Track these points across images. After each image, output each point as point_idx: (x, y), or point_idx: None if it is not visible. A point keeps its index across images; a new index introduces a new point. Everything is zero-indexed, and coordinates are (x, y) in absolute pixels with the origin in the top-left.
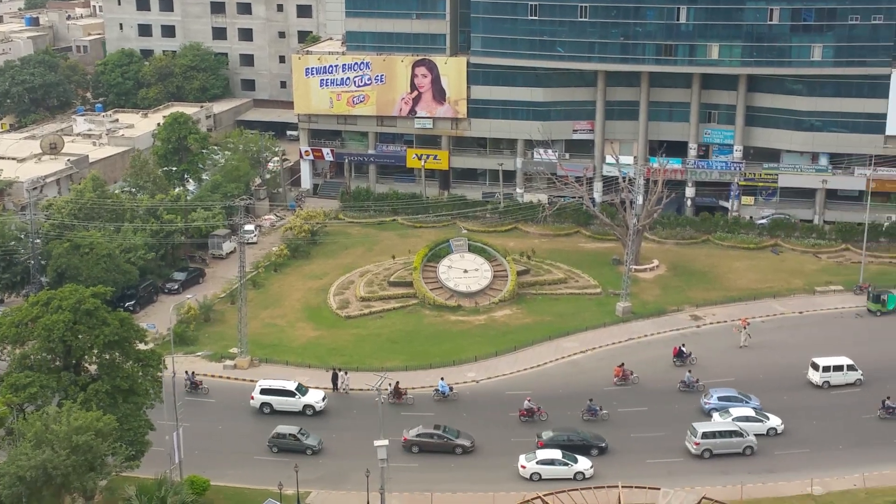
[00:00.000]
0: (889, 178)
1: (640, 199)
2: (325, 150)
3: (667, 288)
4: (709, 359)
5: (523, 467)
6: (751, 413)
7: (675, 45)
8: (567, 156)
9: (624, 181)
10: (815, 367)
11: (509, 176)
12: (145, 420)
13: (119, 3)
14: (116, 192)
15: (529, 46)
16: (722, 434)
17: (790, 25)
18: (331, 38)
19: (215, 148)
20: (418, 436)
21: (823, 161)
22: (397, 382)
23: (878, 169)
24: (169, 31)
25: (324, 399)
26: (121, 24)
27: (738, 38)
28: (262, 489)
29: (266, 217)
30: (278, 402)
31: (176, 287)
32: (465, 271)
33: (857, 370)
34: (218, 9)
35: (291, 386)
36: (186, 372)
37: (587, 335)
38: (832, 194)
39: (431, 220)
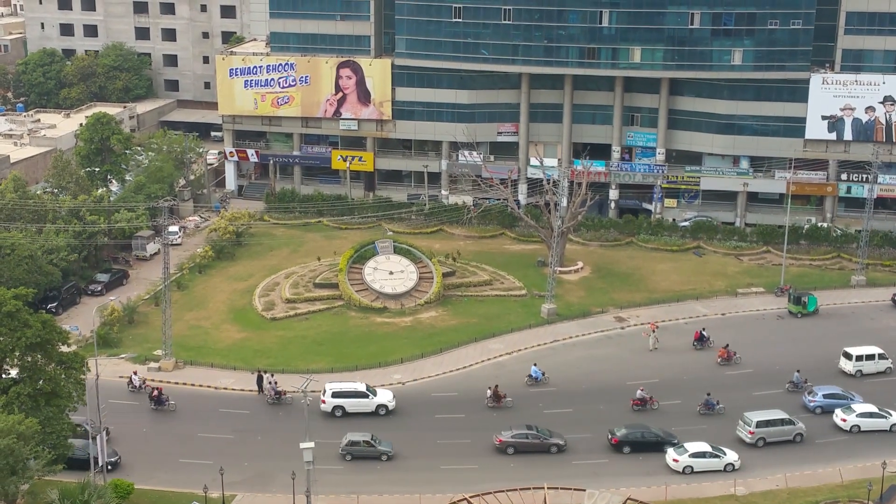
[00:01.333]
0: (808, 181)
1: (564, 202)
2: (250, 152)
3: (591, 290)
4: (631, 360)
5: (675, 461)
6: (874, 409)
7: (597, 48)
8: (492, 158)
9: (548, 183)
10: (848, 356)
11: (434, 178)
12: (68, 423)
13: (40, 3)
14: (38, 192)
15: (454, 48)
16: (775, 423)
17: (711, 30)
18: (255, 39)
19: (139, 149)
20: (514, 437)
21: (744, 164)
22: (496, 386)
23: (797, 172)
24: (91, 30)
25: (393, 397)
26: (42, 24)
27: (659, 42)
28: (187, 492)
29: (190, 218)
30: (351, 404)
31: (99, 289)
32: (391, 273)
33: (887, 359)
34: (141, 8)
35: (362, 387)
36: (136, 378)
37: (513, 337)
38: (753, 197)
39: (357, 221)
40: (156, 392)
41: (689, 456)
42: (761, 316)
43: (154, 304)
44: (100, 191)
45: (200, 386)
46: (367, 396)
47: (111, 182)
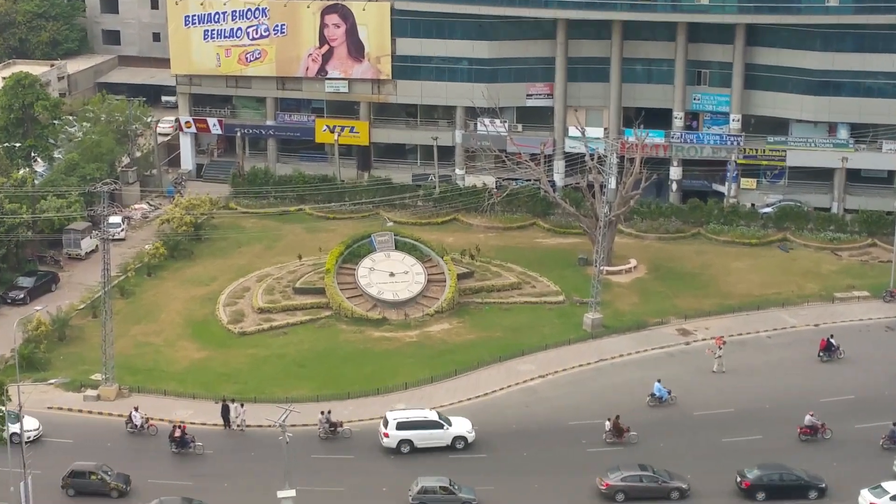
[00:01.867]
0: None
1: (612, 183)
2: (212, 121)
3: (647, 295)
4: (695, 383)
5: None
6: None
7: None
8: (519, 128)
9: (592, 159)
10: None
11: (446, 153)
12: None
13: None
14: None
15: None
16: None
17: None
18: None
19: (70, 118)
20: (624, 480)
21: (843, 134)
22: (617, 417)
23: None
24: None
25: (473, 427)
26: None
27: None
28: None
29: (137, 206)
30: (421, 436)
31: (21, 296)
32: (392, 275)
33: None
34: None
35: (433, 415)
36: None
37: (547, 355)
38: (855, 176)
39: (348, 209)
40: (178, 431)
41: (891, 499)
42: (865, 327)
43: (91, 315)
44: (21, 172)
45: (150, 419)
46: (440, 426)
47: (35, 161)
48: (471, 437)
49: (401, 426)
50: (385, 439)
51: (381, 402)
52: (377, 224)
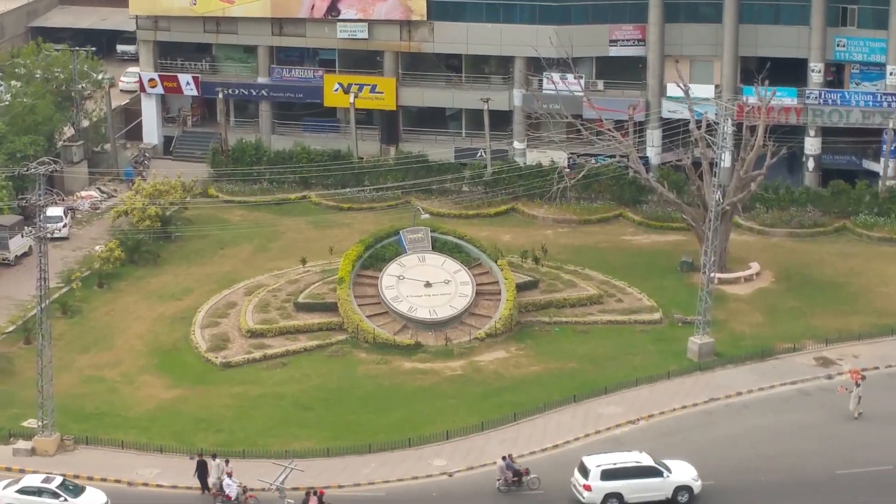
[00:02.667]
0: None
1: (726, 159)
2: (185, 79)
3: (774, 311)
4: (843, 433)
5: None
6: None
7: None
8: (600, 85)
9: (699, 128)
10: None
11: (501, 121)
12: None
13: None
14: None
15: None
16: None
17: None
18: None
19: None
20: None
21: None
22: None
23: None
24: None
25: (698, 475)
26: None
27: None
28: None
29: (84, 194)
30: (634, 488)
31: None
32: (428, 285)
33: None
34: None
35: (647, 459)
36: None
37: (638, 394)
38: None
39: (368, 197)
40: (313, 499)
41: None
42: None
43: (24, 341)
44: None
45: (103, 480)
46: (658, 474)
47: None
48: (696, 485)
49: (607, 475)
50: (586, 493)
51: (413, 457)
52: (408, 217)
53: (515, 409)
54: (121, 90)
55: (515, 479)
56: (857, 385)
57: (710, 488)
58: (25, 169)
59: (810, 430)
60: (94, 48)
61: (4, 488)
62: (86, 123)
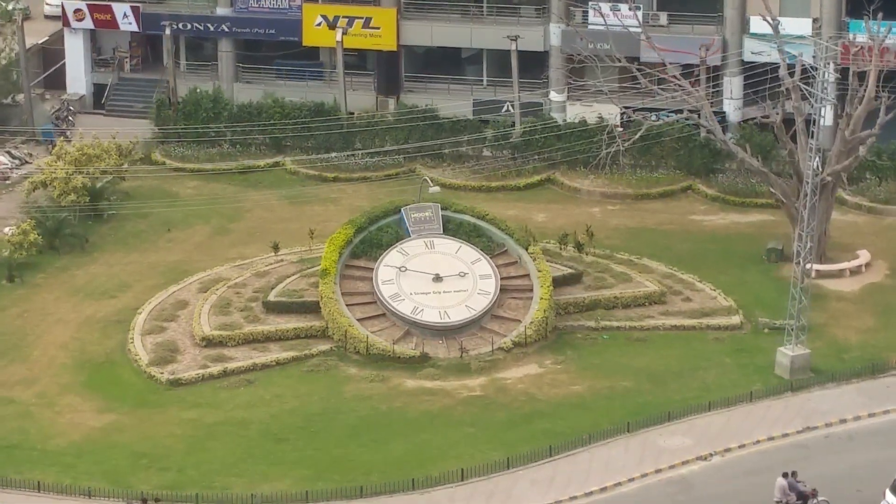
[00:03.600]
0: None
1: (828, 116)
2: (121, 9)
3: (890, 314)
4: None
5: None
6: None
7: None
8: (663, 19)
9: (792, 75)
10: None
11: (534, 65)
12: None
13: None
14: None
15: None
16: None
17: None
18: None
19: None
20: None
21: None
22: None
23: None
24: None
25: None
26: None
27: None
28: None
29: None
30: None
31: None
32: (438, 279)
33: None
34: None
35: None
36: None
37: (711, 421)
38: None
39: (361, 164)
40: None
41: None
42: None
43: None
44: None
45: None
46: None
47: None
48: None
49: None
50: None
51: (420, 503)
52: (412, 190)
53: (551, 442)
54: (45, 15)
55: (800, 502)
56: None
57: None
58: None
59: None
60: None
61: None
62: None
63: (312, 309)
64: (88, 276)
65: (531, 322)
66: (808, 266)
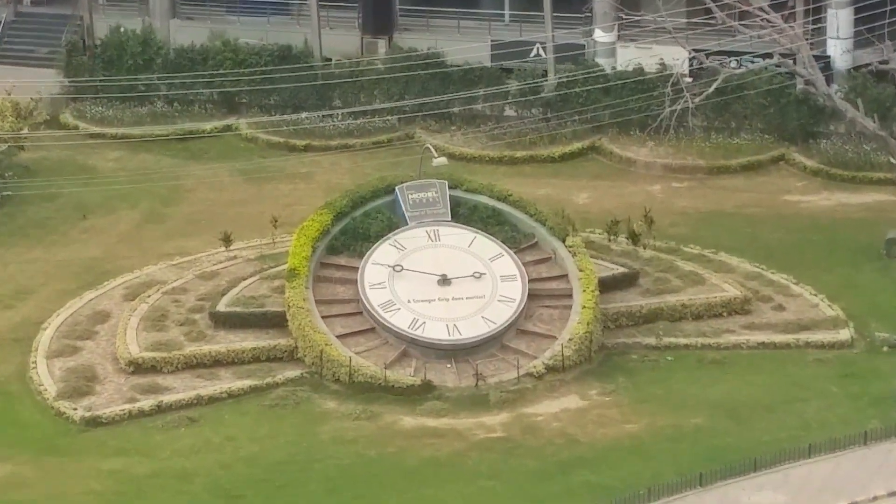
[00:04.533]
0: None
1: None
2: None
3: None
4: None
5: None
6: None
7: None
8: None
9: None
10: None
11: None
12: None
13: None
14: None
15: None
16: None
17: None
18: None
19: None
20: None
21: None
22: None
23: None
24: None
25: None
26: None
27: None
28: None
29: None
30: None
31: None
32: (446, 281)
33: None
34: None
35: None
36: None
37: (814, 472)
38: None
39: (342, 127)
40: None
41: None
42: None
43: None
44: None
45: None
46: None
47: None
48: None
49: None
50: None
51: None
52: (410, 162)
53: (596, 499)
54: None
55: None
56: None
57: None
58: None
59: None
60: None
61: None
62: None
63: (276, 322)
64: None
65: (570, 339)
66: None
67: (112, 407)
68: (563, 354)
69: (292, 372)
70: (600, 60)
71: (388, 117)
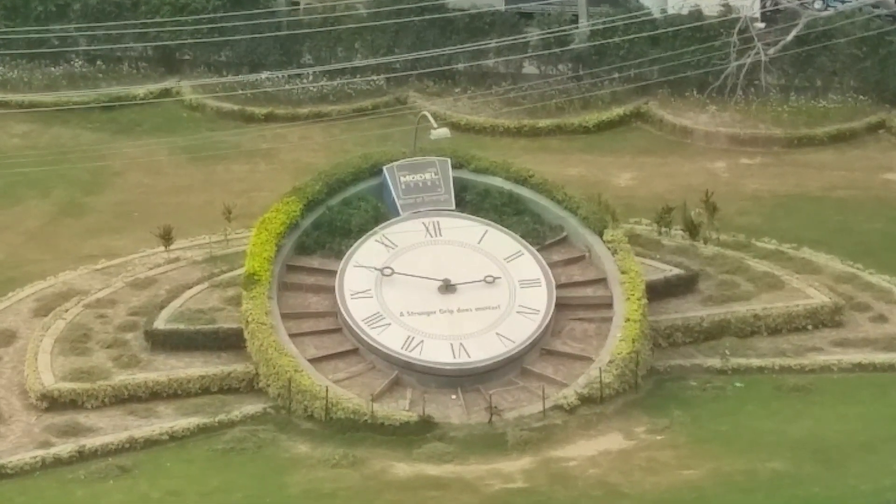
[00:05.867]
0: None
1: None
2: None
3: None
4: None
5: None
6: None
7: None
8: None
9: None
10: None
11: None
12: None
13: None
14: None
15: None
16: None
17: None
18: None
19: None
20: None
21: None
22: None
23: None
24: None
25: None
26: None
27: None
28: None
29: None
30: None
31: None
32: (449, 288)
33: None
34: None
35: None
36: None
37: None
38: None
39: (314, 90)
40: None
41: None
42: None
43: None
44: None
45: None
46: None
47: None
48: None
49: None
50: None
51: None
52: (402, 134)
53: None
54: None
55: None
56: None
57: None
58: None
59: None
60: None
61: None
62: None
63: (231, 343)
64: None
65: (611, 361)
66: None
67: (20, 454)
68: (601, 381)
69: (252, 407)
70: (646, 1)
71: (374, 77)
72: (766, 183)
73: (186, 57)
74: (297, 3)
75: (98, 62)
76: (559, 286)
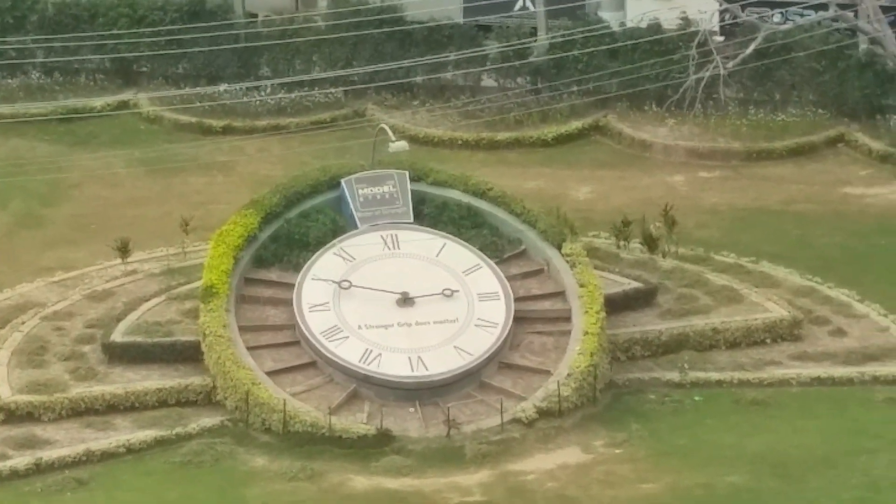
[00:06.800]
0: None
1: None
2: None
3: None
4: None
5: None
6: None
7: None
8: None
9: None
10: None
11: None
12: None
13: None
14: None
15: None
16: None
17: None
18: None
19: None
20: None
21: None
22: None
23: None
24: None
25: None
26: None
27: None
28: None
29: None
30: None
31: None
32: (407, 301)
33: None
34: None
35: None
36: None
37: None
38: None
39: (271, 103)
40: None
41: None
42: None
43: None
44: None
45: None
46: None
47: None
48: None
49: None
50: None
51: None
52: (360, 147)
53: None
54: None
55: None
56: None
57: None
58: None
59: None
60: None
61: None
62: None
63: (188, 356)
64: None
65: (569, 374)
66: None
67: None
68: (559, 394)
69: (209, 420)
70: (605, 14)
71: (332, 90)
72: (724, 196)
73: (144, 69)
74: (255, 16)
75: (55, 74)
76: (517, 299)
